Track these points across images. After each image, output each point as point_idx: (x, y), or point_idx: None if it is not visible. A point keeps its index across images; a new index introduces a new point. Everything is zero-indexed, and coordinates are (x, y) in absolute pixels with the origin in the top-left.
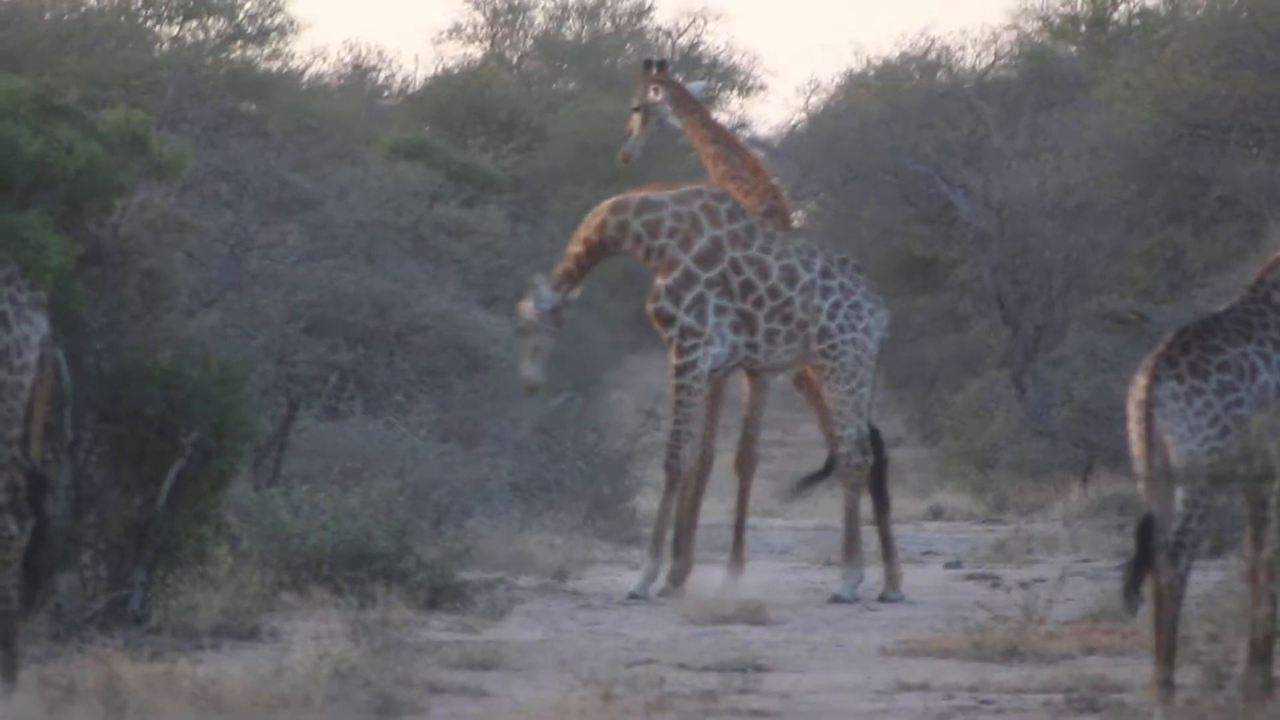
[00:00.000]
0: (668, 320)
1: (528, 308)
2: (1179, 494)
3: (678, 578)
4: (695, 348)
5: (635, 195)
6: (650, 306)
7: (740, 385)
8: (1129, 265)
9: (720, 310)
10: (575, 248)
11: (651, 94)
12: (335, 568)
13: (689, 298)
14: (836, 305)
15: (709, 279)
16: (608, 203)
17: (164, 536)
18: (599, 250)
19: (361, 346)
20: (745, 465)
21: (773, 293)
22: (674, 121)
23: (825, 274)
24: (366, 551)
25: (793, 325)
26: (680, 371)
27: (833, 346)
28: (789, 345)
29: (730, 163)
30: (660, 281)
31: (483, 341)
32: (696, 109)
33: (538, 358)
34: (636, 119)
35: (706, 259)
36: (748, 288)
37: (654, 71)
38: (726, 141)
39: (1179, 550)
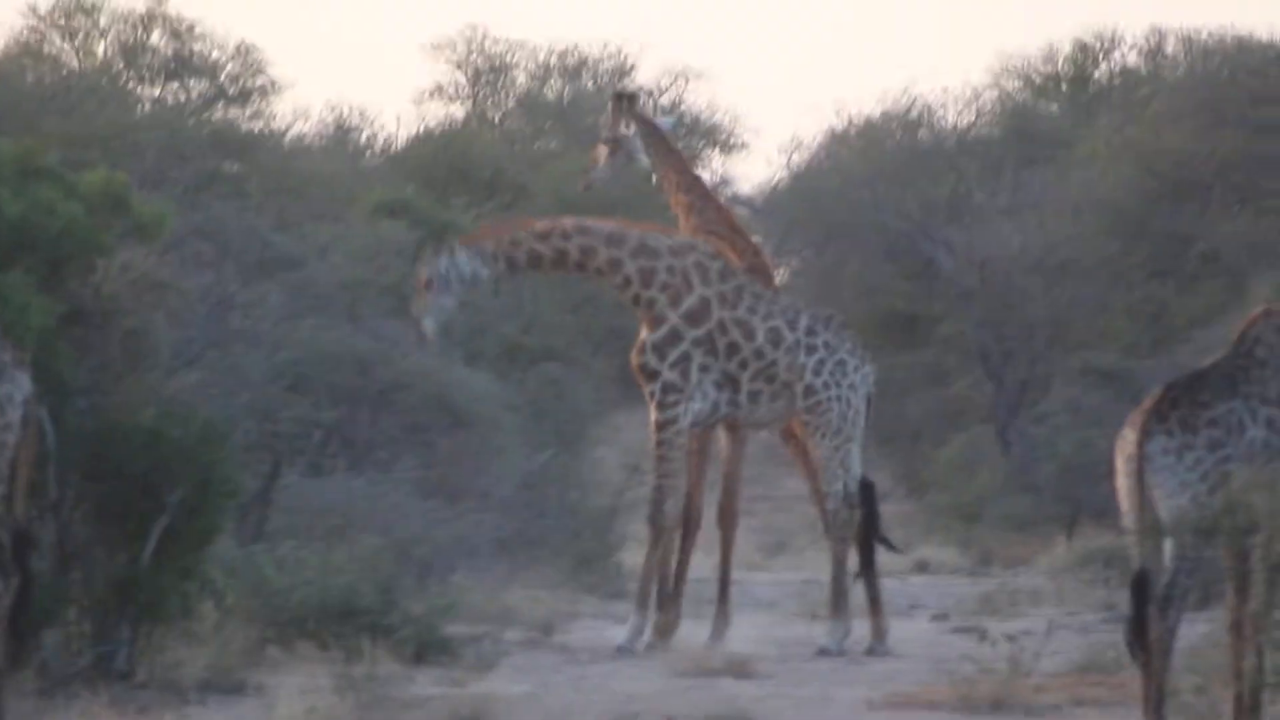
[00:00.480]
0: (651, 375)
1: (446, 267)
2: (1167, 548)
3: (664, 631)
4: (677, 403)
5: (633, 232)
6: (635, 360)
7: (719, 440)
8: (1112, 321)
9: (704, 369)
10: (542, 249)
11: (623, 128)
12: (321, 623)
13: (674, 354)
14: (821, 363)
15: (695, 338)
16: (602, 230)
17: (149, 593)
18: (574, 270)
19: (345, 404)
20: (727, 519)
21: (758, 354)
22: (644, 159)
23: (810, 332)
24: (352, 606)
25: (777, 385)
26: (661, 427)
27: (818, 404)
28: (773, 404)
29: (704, 216)
30: (646, 336)
31: (465, 399)
32: (671, 154)
33: (441, 316)
34: (604, 151)
35: (694, 317)
36: (733, 349)
37: (625, 104)
38: (700, 193)
39: (1168, 604)
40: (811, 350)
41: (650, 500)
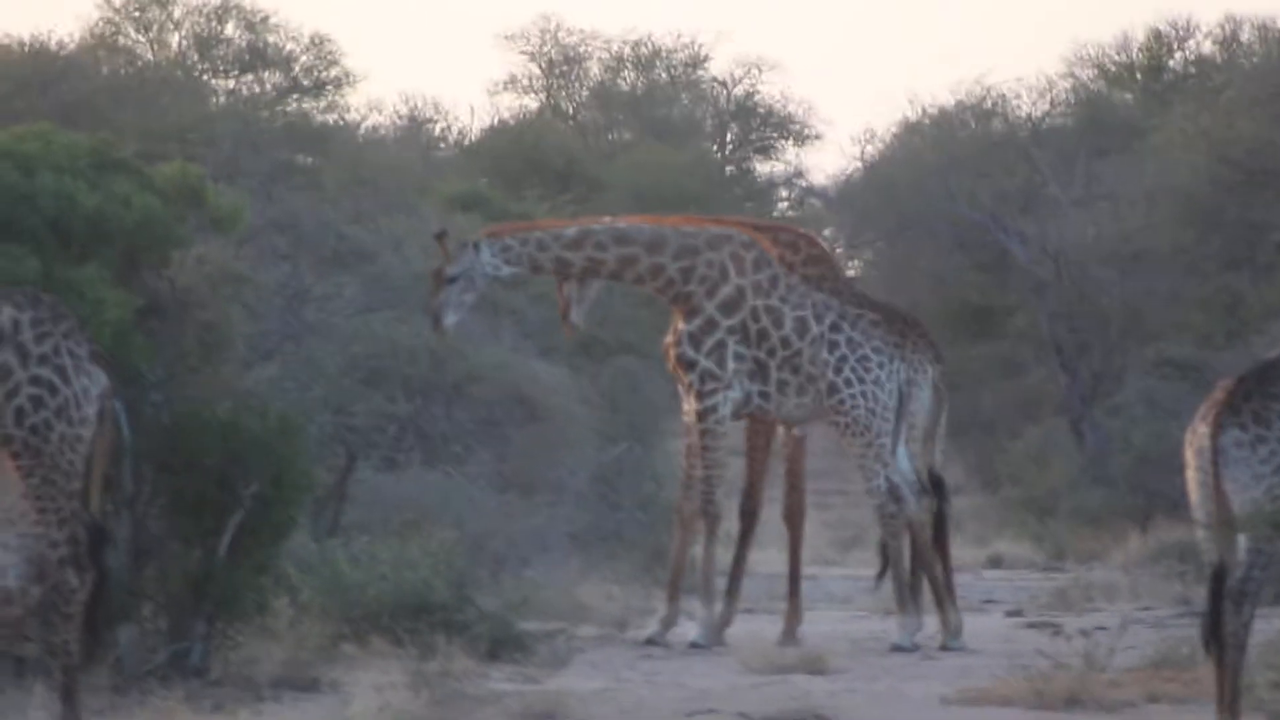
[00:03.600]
0: (689, 365)
1: (470, 263)
2: (1241, 542)
3: (668, 623)
4: (715, 391)
5: (670, 233)
6: (672, 351)
7: (780, 438)
8: (1186, 312)
9: (739, 358)
10: (572, 257)
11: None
12: (395, 619)
13: (710, 343)
14: (843, 360)
15: (730, 326)
16: (640, 237)
17: (224, 588)
18: (606, 278)
19: (419, 397)
20: (794, 515)
21: (784, 343)
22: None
23: (834, 328)
24: (427, 602)
25: (802, 377)
26: (702, 416)
27: (841, 401)
28: (800, 398)
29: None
30: (682, 327)
31: (540, 392)
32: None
33: (461, 312)
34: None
35: (729, 306)
36: (762, 336)
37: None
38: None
39: (1242, 598)
40: (834, 346)
41: (700, 493)
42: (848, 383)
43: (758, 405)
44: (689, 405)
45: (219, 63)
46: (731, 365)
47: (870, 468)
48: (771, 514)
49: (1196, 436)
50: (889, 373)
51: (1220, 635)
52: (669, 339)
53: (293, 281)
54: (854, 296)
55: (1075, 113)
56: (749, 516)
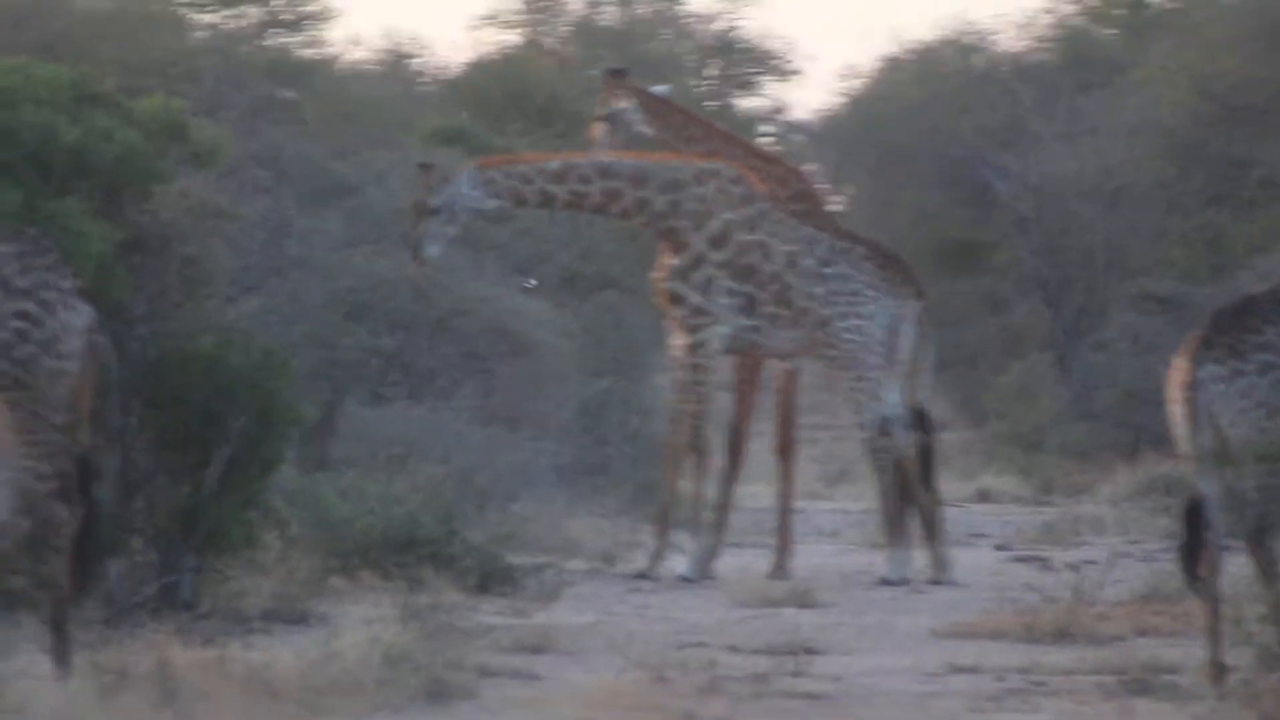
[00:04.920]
0: (678, 300)
1: (452, 195)
2: (1250, 480)
3: (657, 556)
4: (704, 326)
5: (656, 167)
6: (660, 286)
7: (771, 371)
8: (1169, 247)
9: (728, 292)
10: (556, 190)
11: (618, 102)
12: (384, 552)
13: (698, 278)
14: (834, 293)
15: (719, 261)
16: (624, 170)
17: (213, 522)
18: (590, 211)
19: (403, 332)
20: (786, 450)
21: (774, 277)
22: (645, 129)
23: (825, 262)
24: (414, 536)
25: (793, 311)
26: (691, 351)
27: (832, 335)
28: (791, 332)
29: (732, 157)
30: (671, 261)
31: (524, 326)
32: (673, 112)
33: (442, 243)
34: (601, 128)
35: (717, 241)
36: (751, 271)
37: (617, 79)
38: (720, 137)
39: (1262, 534)
40: (825, 279)
41: (689, 427)
42: (840, 316)
43: (748, 340)
44: (678, 340)
45: None
46: (720, 300)
47: (860, 401)
48: (758, 448)
49: (1177, 371)
50: (880, 307)
51: (1196, 566)
52: (657, 274)
53: (274, 215)
54: (839, 232)
55: (1057, 48)
56: (736, 451)
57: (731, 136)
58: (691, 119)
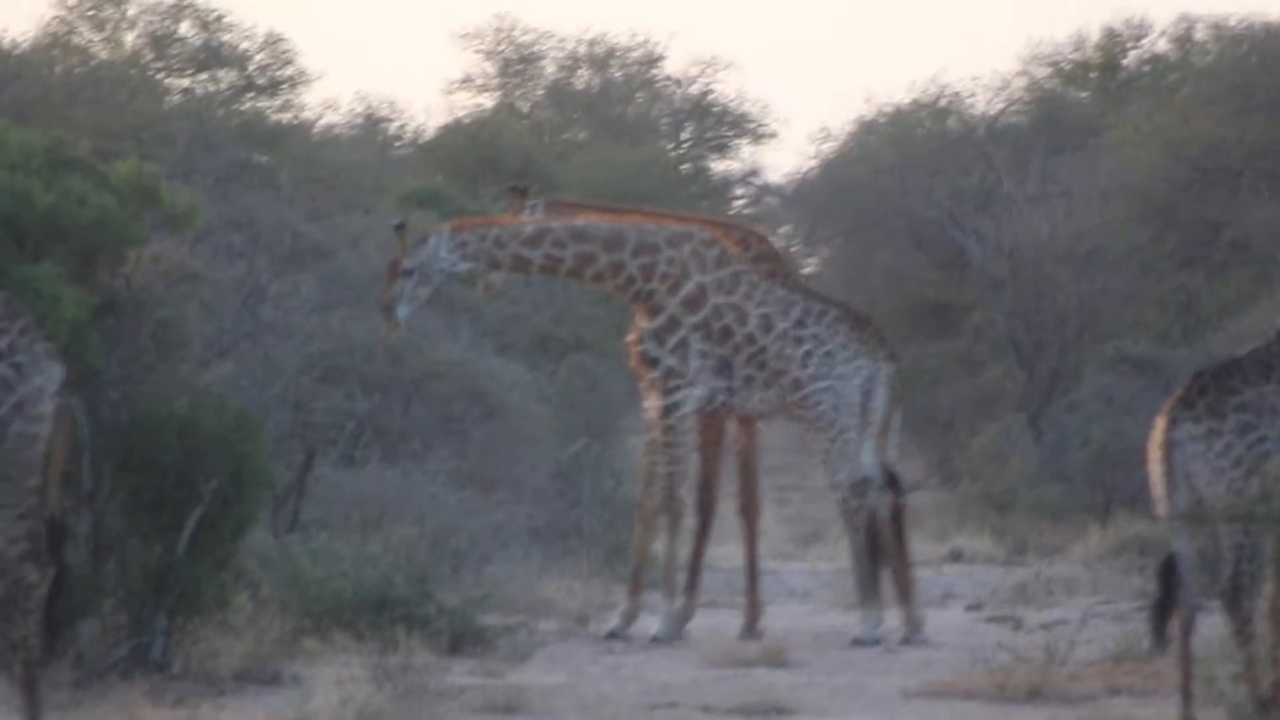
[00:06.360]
0: (652, 362)
1: (426, 257)
2: (1225, 539)
3: (629, 617)
4: (679, 388)
5: (630, 230)
6: (634, 349)
7: (731, 433)
8: (1142, 310)
9: (702, 355)
10: (530, 255)
11: (527, 213)
12: (356, 614)
13: (673, 340)
14: (808, 355)
15: (693, 324)
16: (598, 234)
17: (184, 584)
18: (564, 276)
19: (377, 394)
20: (749, 510)
21: (749, 340)
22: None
23: (799, 324)
24: (387, 597)
25: (768, 373)
26: (666, 413)
27: (806, 396)
28: (765, 393)
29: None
30: (645, 324)
31: (498, 388)
32: (584, 210)
33: (414, 305)
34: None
35: (691, 304)
36: (726, 334)
37: (519, 196)
38: (649, 215)
39: (1237, 594)
40: (799, 342)
41: (662, 488)
42: (812, 378)
43: (723, 401)
44: (652, 402)
45: (174, 61)
46: (694, 363)
47: (834, 462)
48: (728, 508)
49: (1156, 431)
50: (854, 368)
51: (1165, 626)
52: (631, 337)
53: (249, 279)
54: (808, 293)
55: (1031, 111)
56: (706, 511)
57: (668, 216)
58: (607, 212)
